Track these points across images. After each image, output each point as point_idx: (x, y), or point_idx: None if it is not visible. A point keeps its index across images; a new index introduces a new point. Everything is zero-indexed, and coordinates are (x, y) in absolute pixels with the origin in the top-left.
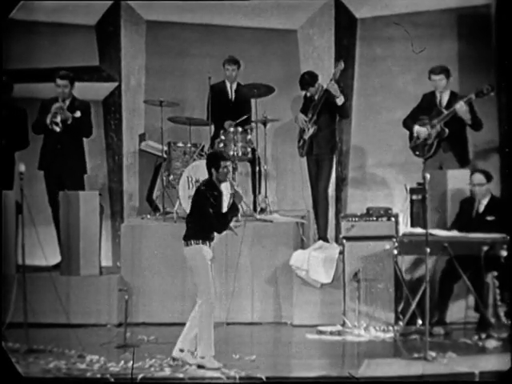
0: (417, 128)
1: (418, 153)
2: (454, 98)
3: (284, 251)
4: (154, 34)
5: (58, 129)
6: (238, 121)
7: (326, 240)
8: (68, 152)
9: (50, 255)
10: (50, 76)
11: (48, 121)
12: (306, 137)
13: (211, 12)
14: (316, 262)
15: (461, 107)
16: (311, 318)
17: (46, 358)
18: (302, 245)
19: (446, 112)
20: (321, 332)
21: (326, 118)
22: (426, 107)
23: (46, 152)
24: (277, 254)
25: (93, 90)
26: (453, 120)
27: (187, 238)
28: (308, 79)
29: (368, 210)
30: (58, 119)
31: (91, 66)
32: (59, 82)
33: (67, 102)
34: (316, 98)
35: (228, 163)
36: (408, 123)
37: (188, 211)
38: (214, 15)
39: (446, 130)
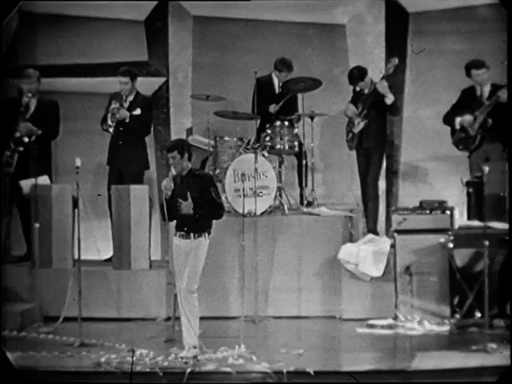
0: (459, 119)
1: (461, 147)
2: (495, 89)
3: (332, 245)
4: (200, 29)
5: (111, 130)
6: (280, 103)
7: (375, 233)
8: (128, 148)
9: (104, 249)
10: (103, 70)
11: (108, 120)
12: (356, 130)
13: (257, 7)
14: (366, 256)
15: (503, 94)
16: (361, 311)
17: (97, 352)
18: (351, 238)
19: (487, 102)
20: (371, 326)
21: (376, 112)
22: (467, 102)
23: (111, 148)
24: (324, 248)
25: (142, 85)
26: (496, 110)
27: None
28: (357, 74)
29: (421, 203)
30: (114, 120)
31: (140, 61)
32: (120, 79)
33: (130, 98)
34: (366, 92)
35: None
36: (448, 119)
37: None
38: (261, 10)
39: (490, 120)
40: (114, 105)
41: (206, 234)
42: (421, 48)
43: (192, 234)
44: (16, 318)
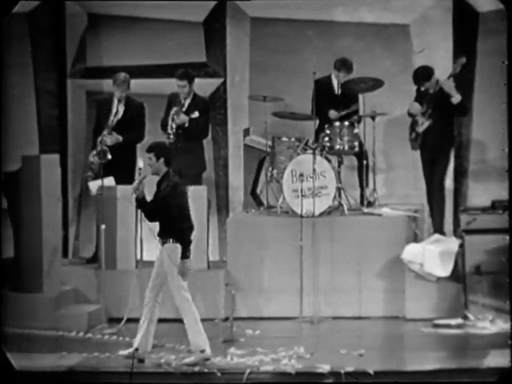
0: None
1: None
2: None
3: (394, 245)
4: (258, 30)
5: (171, 136)
6: (343, 112)
7: (442, 234)
8: (187, 150)
9: None
10: (162, 72)
11: (169, 125)
12: (420, 130)
13: (316, 8)
14: (432, 256)
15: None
16: (426, 311)
17: (157, 353)
18: (416, 239)
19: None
20: (438, 325)
21: (442, 112)
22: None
23: (170, 150)
24: (386, 248)
25: (200, 86)
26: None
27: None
28: (422, 74)
29: (493, 202)
30: (174, 124)
31: (198, 62)
32: (178, 82)
33: (188, 101)
34: (431, 91)
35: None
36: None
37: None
38: (319, 11)
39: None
40: (174, 110)
41: (171, 240)
42: (421, 48)
43: (160, 240)
44: (83, 320)
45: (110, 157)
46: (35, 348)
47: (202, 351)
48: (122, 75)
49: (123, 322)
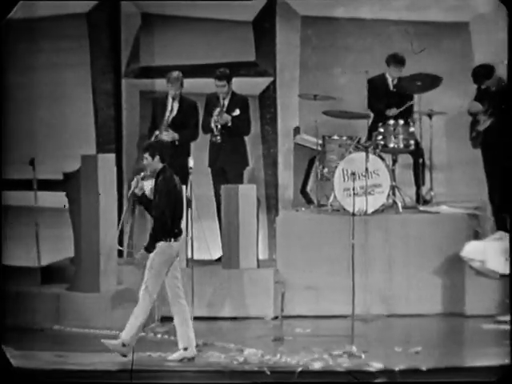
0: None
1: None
2: None
3: (452, 243)
4: (308, 29)
5: (218, 137)
6: (401, 108)
7: (506, 231)
8: (230, 148)
9: (214, 249)
10: (212, 71)
11: (212, 125)
12: (481, 128)
13: (367, 6)
14: (496, 253)
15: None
16: (487, 308)
17: (207, 352)
18: (477, 236)
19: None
20: (500, 322)
21: (504, 110)
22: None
23: (212, 149)
24: (444, 246)
25: (249, 85)
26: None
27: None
28: (484, 72)
29: None
30: (218, 125)
31: (248, 61)
32: (216, 82)
33: (226, 101)
34: (493, 89)
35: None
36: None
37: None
38: (371, 9)
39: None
40: (216, 110)
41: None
42: (421, 47)
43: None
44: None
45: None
46: (90, 347)
47: (185, 349)
48: (176, 73)
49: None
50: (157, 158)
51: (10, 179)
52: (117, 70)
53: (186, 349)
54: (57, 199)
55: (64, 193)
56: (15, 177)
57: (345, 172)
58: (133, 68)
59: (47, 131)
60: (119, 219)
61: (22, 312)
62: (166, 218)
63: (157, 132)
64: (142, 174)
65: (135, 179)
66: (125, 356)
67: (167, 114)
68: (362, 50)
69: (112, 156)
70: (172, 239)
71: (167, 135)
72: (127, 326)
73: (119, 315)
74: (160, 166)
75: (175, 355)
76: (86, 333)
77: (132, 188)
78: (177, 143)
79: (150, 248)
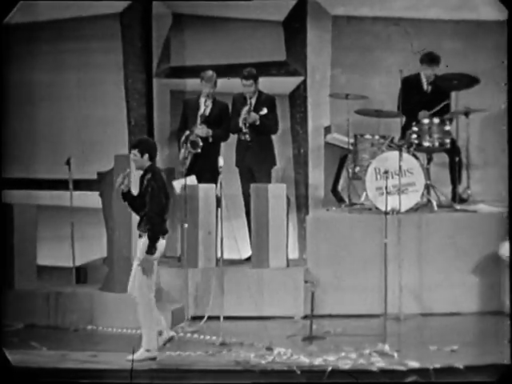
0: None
1: None
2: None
3: (490, 241)
4: (340, 28)
5: (247, 136)
6: (433, 110)
7: None
8: (258, 146)
9: (243, 248)
10: (239, 71)
11: (240, 124)
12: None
13: (402, 5)
14: None
15: None
16: None
17: (237, 351)
18: None
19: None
20: None
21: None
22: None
23: (240, 149)
24: (481, 245)
25: (279, 84)
26: None
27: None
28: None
29: None
30: (247, 124)
31: (278, 60)
32: (243, 81)
33: (253, 100)
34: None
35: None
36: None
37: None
38: (406, 8)
39: None
40: (244, 110)
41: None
42: (421, 47)
43: (139, 233)
44: (166, 318)
45: (201, 144)
46: (121, 347)
47: (148, 350)
48: (210, 72)
49: (204, 319)
50: (146, 155)
51: (46, 179)
52: (148, 70)
53: (148, 350)
54: (91, 199)
55: (98, 192)
56: (50, 177)
57: (377, 171)
58: (164, 68)
59: (81, 131)
60: None
61: (56, 312)
62: (161, 215)
63: (196, 123)
64: (128, 170)
65: (121, 175)
66: (154, 359)
67: (200, 112)
68: (396, 49)
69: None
70: (161, 237)
71: (201, 130)
72: (144, 336)
73: None
74: (147, 163)
75: (137, 354)
76: (119, 333)
77: (117, 184)
78: (210, 140)
79: (152, 250)
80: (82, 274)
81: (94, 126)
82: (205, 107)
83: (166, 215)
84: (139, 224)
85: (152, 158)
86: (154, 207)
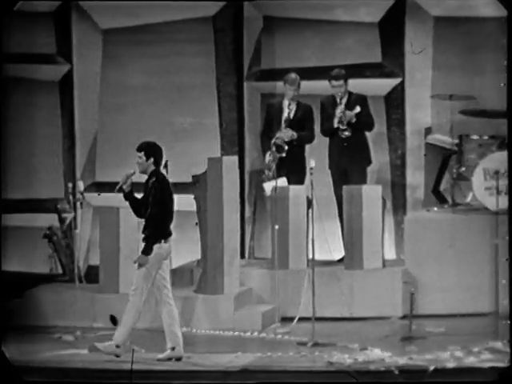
0: None
1: None
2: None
3: None
4: (442, 29)
5: (347, 133)
6: None
7: None
8: (353, 147)
9: (335, 249)
10: (323, 74)
11: (336, 125)
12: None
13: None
14: None
15: None
16: None
17: (329, 352)
18: None
19: None
20: None
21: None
22: None
23: (333, 150)
24: None
25: (374, 86)
26: None
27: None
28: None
29: None
30: (343, 124)
31: (374, 62)
32: (334, 83)
33: (344, 101)
34: None
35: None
36: None
37: None
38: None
39: None
40: (338, 110)
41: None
42: (421, 48)
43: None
44: (258, 320)
45: (286, 148)
46: (214, 348)
47: (173, 349)
48: (293, 75)
49: (295, 321)
50: (151, 160)
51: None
52: (239, 73)
53: (173, 348)
54: (185, 202)
55: (192, 196)
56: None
57: (486, 171)
58: (254, 71)
59: (173, 134)
60: (242, 221)
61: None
62: (160, 219)
63: (281, 127)
64: (132, 171)
65: (125, 175)
66: (118, 356)
67: (284, 115)
68: (496, 49)
69: (235, 158)
70: (163, 240)
71: (286, 134)
72: (119, 328)
73: (241, 316)
74: (152, 168)
75: (163, 355)
76: (212, 334)
77: (120, 184)
78: (294, 143)
79: (148, 251)
80: (177, 277)
81: (185, 130)
82: (288, 110)
83: (170, 219)
84: (144, 228)
85: (157, 163)
86: (156, 211)
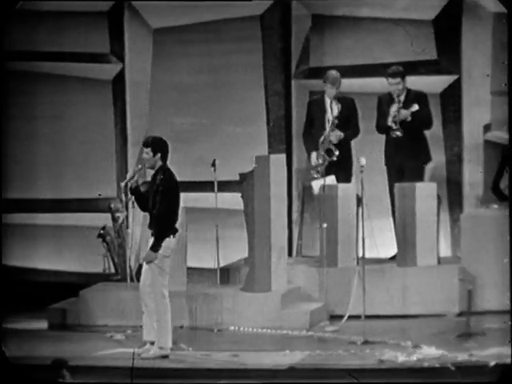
0: None
1: None
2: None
3: None
4: (501, 25)
5: (398, 133)
6: None
7: None
8: (410, 143)
9: (385, 248)
10: (380, 71)
11: (390, 123)
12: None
13: None
14: None
15: None
16: None
17: (380, 350)
18: None
19: None
20: None
21: None
22: None
23: (390, 147)
24: None
25: (429, 83)
26: None
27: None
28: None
29: None
30: (397, 122)
31: (428, 59)
32: (391, 80)
33: (401, 98)
34: None
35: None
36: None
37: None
38: None
39: None
40: (393, 108)
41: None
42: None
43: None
44: (306, 318)
45: (337, 153)
46: (258, 346)
47: (161, 348)
48: (334, 72)
49: (344, 319)
50: (158, 155)
51: (192, 181)
52: (287, 71)
53: (161, 348)
54: (233, 200)
55: (240, 194)
56: (196, 179)
57: None
58: (302, 69)
59: (220, 133)
60: (289, 219)
61: (201, 313)
62: (169, 215)
63: (328, 129)
64: (140, 166)
65: (132, 170)
66: (167, 357)
67: (328, 114)
68: None
69: (283, 156)
70: (171, 236)
71: (335, 136)
72: (158, 335)
73: (289, 314)
74: (159, 163)
75: (151, 352)
76: (259, 332)
77: (127, 179)
78: (341, 142)
79: (156, 247)
80: (225, 275)
81: (233, 128)
82: (331, 110)
83: (177, 215)
84: (150, 223)
85: (164, 159)
86: (164, 207)
